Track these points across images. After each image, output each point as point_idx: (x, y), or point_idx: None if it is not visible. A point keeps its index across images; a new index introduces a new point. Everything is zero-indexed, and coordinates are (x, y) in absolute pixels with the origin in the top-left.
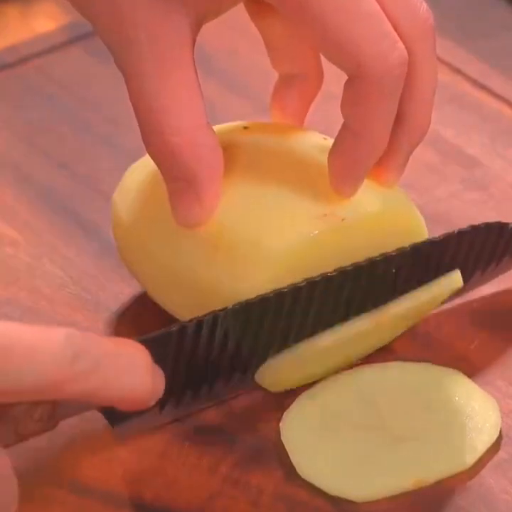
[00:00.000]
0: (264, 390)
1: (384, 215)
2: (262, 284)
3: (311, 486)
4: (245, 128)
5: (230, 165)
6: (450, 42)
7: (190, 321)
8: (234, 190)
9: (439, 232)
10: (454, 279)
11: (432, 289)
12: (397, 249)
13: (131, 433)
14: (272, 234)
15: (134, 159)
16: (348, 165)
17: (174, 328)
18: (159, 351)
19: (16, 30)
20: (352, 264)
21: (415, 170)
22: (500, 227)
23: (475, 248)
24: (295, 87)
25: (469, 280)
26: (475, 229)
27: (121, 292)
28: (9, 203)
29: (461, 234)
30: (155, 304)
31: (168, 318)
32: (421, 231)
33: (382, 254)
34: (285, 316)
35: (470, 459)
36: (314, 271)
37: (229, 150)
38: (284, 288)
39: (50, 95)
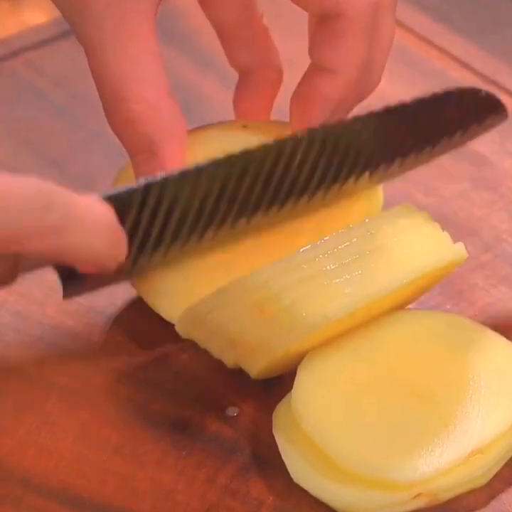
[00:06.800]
0: (265, 398)
1: None
2: None
3: (313, 498)
4: (244, 126)
5: None
6: (459, 37)
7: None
8: None
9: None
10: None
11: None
12: (368, 112)
13: (81, 295)
14: None
15: (128, 157)
16: (316, 100)
17: (139, 185)
18: (123, 210)
19: (5, 23)
20: (321, 126)
21: (422, 168)
22: (473, 92)
23: (444, 114)
24: (253, 81)
25: (435, 147)
26: (446, 94)
27: (115, 296)
28: None
29: (426, 101)
30: (149, 309)
31: (162, 321)
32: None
33: (352, 116)
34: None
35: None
36: None
37: (228, 148)
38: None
39: (40, 90)
